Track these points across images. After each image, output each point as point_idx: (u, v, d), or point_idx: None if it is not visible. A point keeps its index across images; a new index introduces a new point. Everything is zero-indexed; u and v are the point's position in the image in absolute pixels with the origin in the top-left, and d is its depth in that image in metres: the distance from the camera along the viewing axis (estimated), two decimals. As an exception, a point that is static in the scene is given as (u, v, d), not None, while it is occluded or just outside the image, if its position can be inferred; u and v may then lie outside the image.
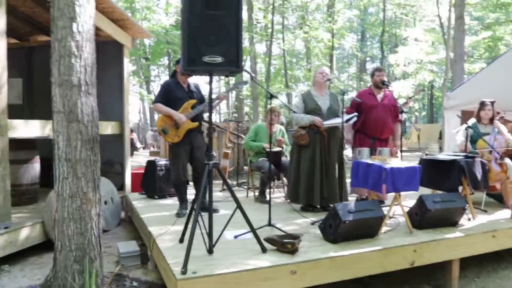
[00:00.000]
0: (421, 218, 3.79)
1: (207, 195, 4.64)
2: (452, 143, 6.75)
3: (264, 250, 3.14)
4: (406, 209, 3.98)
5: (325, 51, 19.25)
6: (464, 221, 4.14)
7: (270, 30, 16.80)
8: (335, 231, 3.32)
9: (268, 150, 5.14)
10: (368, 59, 35.18)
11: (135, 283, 3.59)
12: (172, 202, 5.19)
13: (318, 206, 4.57)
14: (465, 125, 5.04)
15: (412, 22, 28.42)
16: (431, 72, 23.51)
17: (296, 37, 21.70)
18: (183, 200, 4.55)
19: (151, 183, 5.63)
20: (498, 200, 4.96)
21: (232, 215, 3.24)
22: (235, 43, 2.89)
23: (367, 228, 3.47)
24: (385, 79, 4.96)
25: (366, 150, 3.94)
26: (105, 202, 5.52)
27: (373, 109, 4.92)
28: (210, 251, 3.10)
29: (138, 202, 5.34)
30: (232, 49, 2.89)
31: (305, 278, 2.97)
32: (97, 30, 5.75)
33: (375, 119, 4.90)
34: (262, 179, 5.18)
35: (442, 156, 4.30)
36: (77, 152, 2.95)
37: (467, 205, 3.95)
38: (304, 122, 4.57)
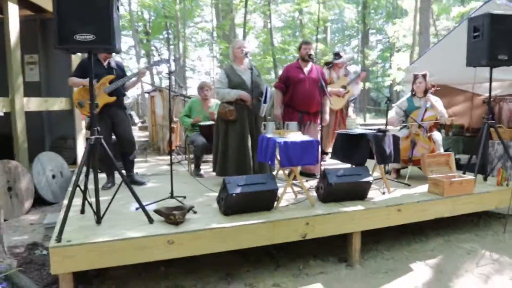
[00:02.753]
0: (324, 192, 3.84)
1: (135, 170, 4.86)
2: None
3: (151, 221, 3.27)
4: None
5: (314, 23, 18.91)
6: (377, 194, 4.20)
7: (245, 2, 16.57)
8: (225, 204, 3.43)
9: (200, 124, 5.25)
10: (373, 31, 34.41)
11: (45, 252, 3.77)
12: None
13: None
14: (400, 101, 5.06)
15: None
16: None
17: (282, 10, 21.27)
18: (108, 174, 4.69)
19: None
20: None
21: (118, 189, 3.40)
22: (107, 21, 2.95)
23: (261, 201, 3.54)
24: (312, 52, 4.94)
25: (271, 124, 3.97)
26: (53, 176, 5.73)
27: (300, 83, 4.92)
28: (98, 221, 3.25)
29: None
30: (104, 27, 2.94)
31: (182, 248, 3.09)
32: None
33: (302, 93, 4.91)
34: (195, 153, 5.28)
35: (354, 131, 4.32)
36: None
37: (371, 179, 3.97)
38: (231, 97, 4.57)
